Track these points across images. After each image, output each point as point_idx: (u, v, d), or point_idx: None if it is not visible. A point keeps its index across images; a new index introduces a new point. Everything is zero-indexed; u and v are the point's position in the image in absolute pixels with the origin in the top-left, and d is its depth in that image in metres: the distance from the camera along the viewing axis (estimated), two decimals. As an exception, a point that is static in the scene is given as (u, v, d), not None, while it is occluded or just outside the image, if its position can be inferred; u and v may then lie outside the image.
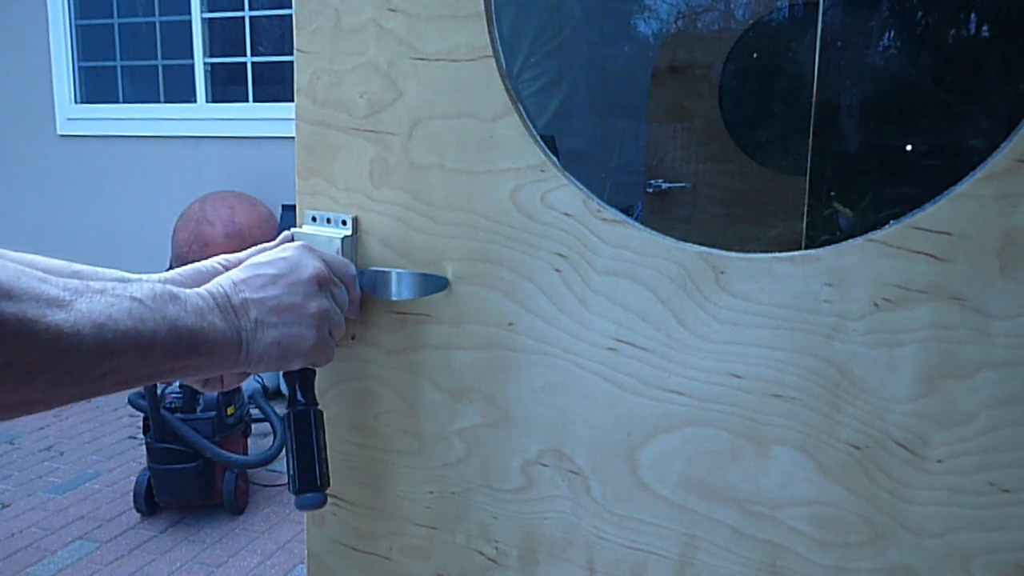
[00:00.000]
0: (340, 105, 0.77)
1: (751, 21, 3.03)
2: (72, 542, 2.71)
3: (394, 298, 0.77)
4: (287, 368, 0.71)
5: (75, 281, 0.54)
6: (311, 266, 0.70)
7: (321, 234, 0.79)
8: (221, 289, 0.65)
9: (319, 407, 0.76)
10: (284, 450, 0.75)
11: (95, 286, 0.55)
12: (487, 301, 0.74)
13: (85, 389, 0.54)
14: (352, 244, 0.79)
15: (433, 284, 0.76)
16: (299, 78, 0.79)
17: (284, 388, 0.78)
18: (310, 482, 0.73)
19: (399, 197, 0.77)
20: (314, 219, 0.80)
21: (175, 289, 0.61)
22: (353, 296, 0.76)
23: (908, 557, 0.64)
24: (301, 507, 0.74)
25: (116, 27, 4.91)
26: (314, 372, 0.76)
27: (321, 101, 0.78)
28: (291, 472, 0.74)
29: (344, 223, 0.78)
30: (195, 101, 4.72)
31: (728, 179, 2.98)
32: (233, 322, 0.64)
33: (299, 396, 0.75)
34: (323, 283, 0.70)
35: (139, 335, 0.56)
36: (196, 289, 0.64)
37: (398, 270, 0.77)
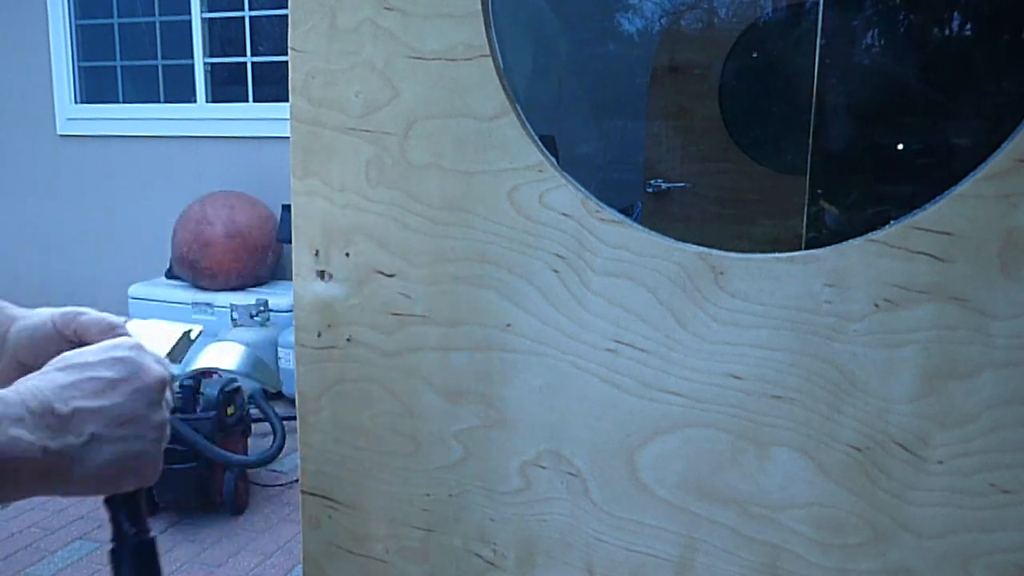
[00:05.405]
0: (336, 105, 0.77)
1: (751, 21, 3.03)
2: (72, 542, 2.71)
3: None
4: (117, 491, 0.58)
5: None
6: (155, 370, 0.58)
7: (157, 331, 0.70)
8: (41, 395, 0.51)
9: (151, 533, 0.62)
10: None
11: None
12: (484, 302, 0.74)
13: None
14: (187, 341, 0.72)
15: None
16: (294, 78, 0.78)
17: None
18: None
19: (396, 197, 0.76)
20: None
21: None
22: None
23: (909, 558, 0.63)
24: None
25: (116, 27, 4.91)
26: (146, 492, 0.64)
27: (316, 101, 0.78)
28: None
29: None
30: (195, 101, 4.72)
31: (728, 179, 2.98)
32: (52, 437, 0.51)
33: (127, 526, 0.61)
34: (165, 391, 0.59)
35: None
36: (3, 391, 0.51)
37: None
